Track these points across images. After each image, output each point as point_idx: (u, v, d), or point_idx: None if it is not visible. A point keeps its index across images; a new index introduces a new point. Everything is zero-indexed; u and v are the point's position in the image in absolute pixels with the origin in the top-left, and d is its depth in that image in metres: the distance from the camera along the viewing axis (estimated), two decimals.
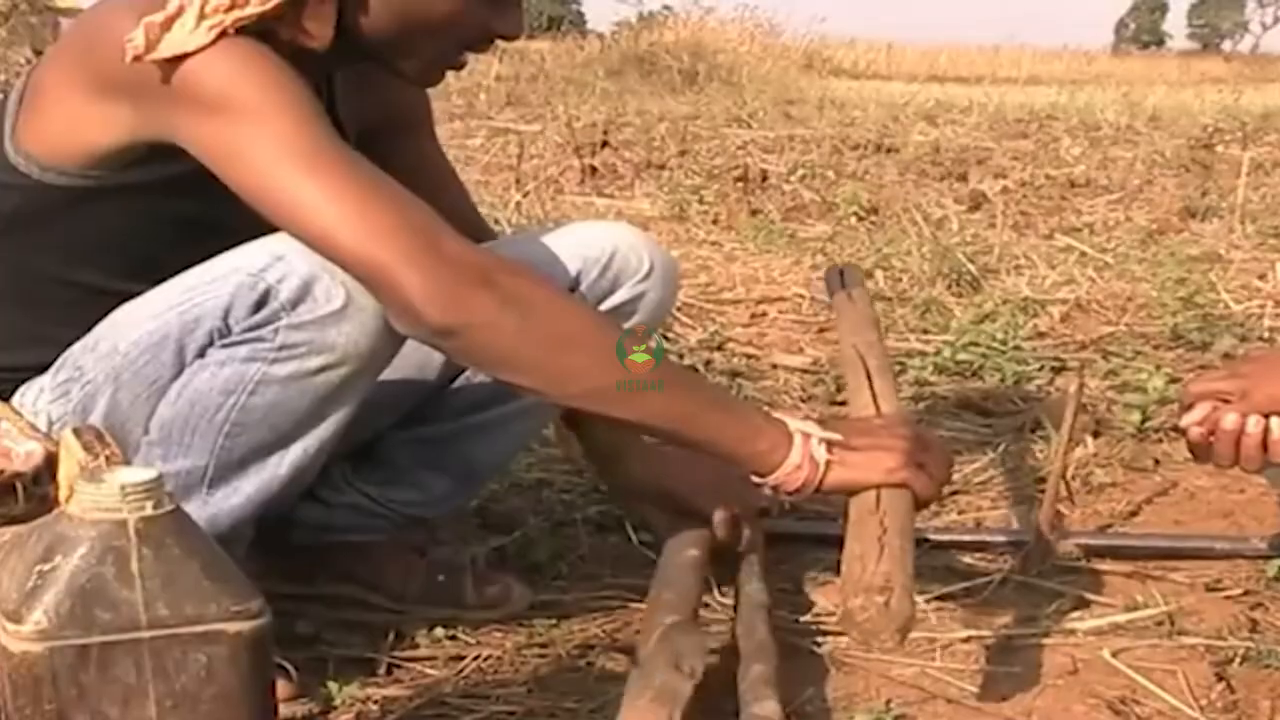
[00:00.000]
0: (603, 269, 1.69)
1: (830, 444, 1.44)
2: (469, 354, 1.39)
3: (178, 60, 1.31)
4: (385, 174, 1.37)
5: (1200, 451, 1.58)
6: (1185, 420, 1.57)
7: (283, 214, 1.32)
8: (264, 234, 1.38)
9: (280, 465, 1.46)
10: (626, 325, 1.70)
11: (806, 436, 1.43)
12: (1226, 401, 1.54)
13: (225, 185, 1.34)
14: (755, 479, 1.46)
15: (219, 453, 1.43)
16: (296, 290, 1.37)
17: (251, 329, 1.39)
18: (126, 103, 1.36)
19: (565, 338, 1.36)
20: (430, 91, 1.73)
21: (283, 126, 1.31)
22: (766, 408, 1.64)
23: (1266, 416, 1.52)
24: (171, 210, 1.43)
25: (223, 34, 1.32)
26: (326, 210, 1.30)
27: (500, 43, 1.55)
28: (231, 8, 1.32)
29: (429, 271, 1.30)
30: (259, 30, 1.35)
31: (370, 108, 1.65)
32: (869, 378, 1.70)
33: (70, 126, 1.39)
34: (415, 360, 1.62)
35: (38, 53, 6.24)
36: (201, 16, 1.31)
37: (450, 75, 1.59)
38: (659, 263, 1.73)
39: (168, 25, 1.30)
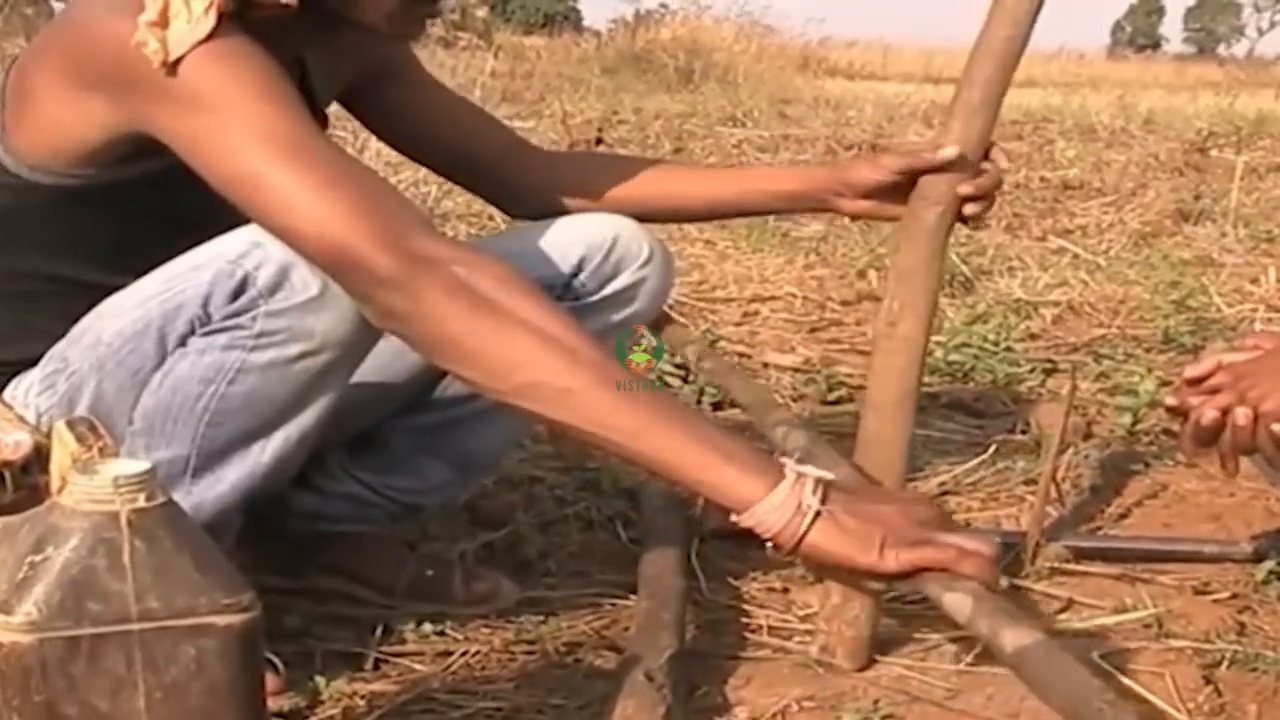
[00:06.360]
0: (605, 254, 1.70)
1: (828, 488, 1.21)
2: (415, 339, 1.31)
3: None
4: (359, 162, 1.36)
5: (1204, 435, 1.50)
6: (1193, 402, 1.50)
7: (249, 199, 1.30)
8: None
9: (263, 454, 1.46)
10: (626, 311, 1.71)
11: (801, 476, 1.21)
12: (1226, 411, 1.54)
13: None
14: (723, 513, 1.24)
15: (201, 441, 1.43)
16: (273, 277, 1.36)
17: (230, 316, 1.38)
18: (103, 97, 1.35)
19: (512, 331, 1.25)
20: None
21: (253, 113, 1.30)
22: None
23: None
24: (160, 206, 1.42)
25: (220, 14, 1.30)
26: (291, 193, 1.28)
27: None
28: None
29: (386, 256, 1.25)
30: (238, 10, 1.33)
31: (346, 68, 1.66)
32: None
33: (55, 125, 1.38)
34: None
35: None
36: (187, 2, 1.29)
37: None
38: (658, 251, 1.74)
39: (164, 22, 1.29)
